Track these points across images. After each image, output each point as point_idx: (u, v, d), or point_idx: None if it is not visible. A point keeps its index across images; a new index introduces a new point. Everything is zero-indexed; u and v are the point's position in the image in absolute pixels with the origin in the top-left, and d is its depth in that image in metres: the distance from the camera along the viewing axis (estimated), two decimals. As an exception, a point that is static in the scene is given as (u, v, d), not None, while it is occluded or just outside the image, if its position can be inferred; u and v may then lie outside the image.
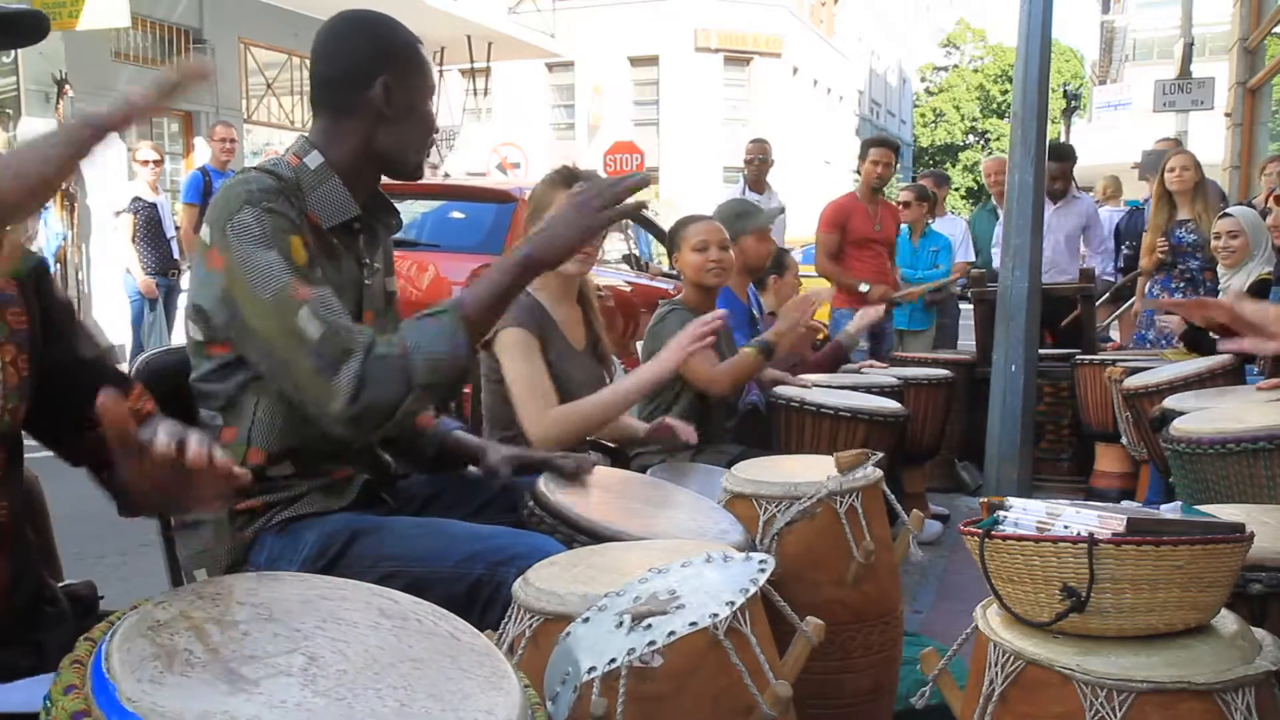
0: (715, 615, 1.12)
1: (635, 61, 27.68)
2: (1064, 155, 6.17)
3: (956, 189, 35.04)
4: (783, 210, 4.91)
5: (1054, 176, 5.82)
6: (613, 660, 1.09)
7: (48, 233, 7.94)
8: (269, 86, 12.85)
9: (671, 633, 1.10)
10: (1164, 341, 4.70)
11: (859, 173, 5.68)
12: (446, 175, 10.35)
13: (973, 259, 6.63)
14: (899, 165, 5.85)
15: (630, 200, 1.59)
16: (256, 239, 1.54)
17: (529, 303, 2.44)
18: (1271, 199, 4.47)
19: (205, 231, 1.61)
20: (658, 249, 7.83)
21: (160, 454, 0.96)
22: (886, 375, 3.98)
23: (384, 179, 1.80)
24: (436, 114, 1.82)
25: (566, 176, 2.48)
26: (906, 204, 6.35)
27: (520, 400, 2.30)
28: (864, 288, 5.35)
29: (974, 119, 43.27)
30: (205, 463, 0.97)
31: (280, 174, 1.64)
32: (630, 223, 7.63)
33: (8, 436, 1.19)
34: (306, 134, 1.75)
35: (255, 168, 1.66)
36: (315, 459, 1.69)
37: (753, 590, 1.16)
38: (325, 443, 1.65)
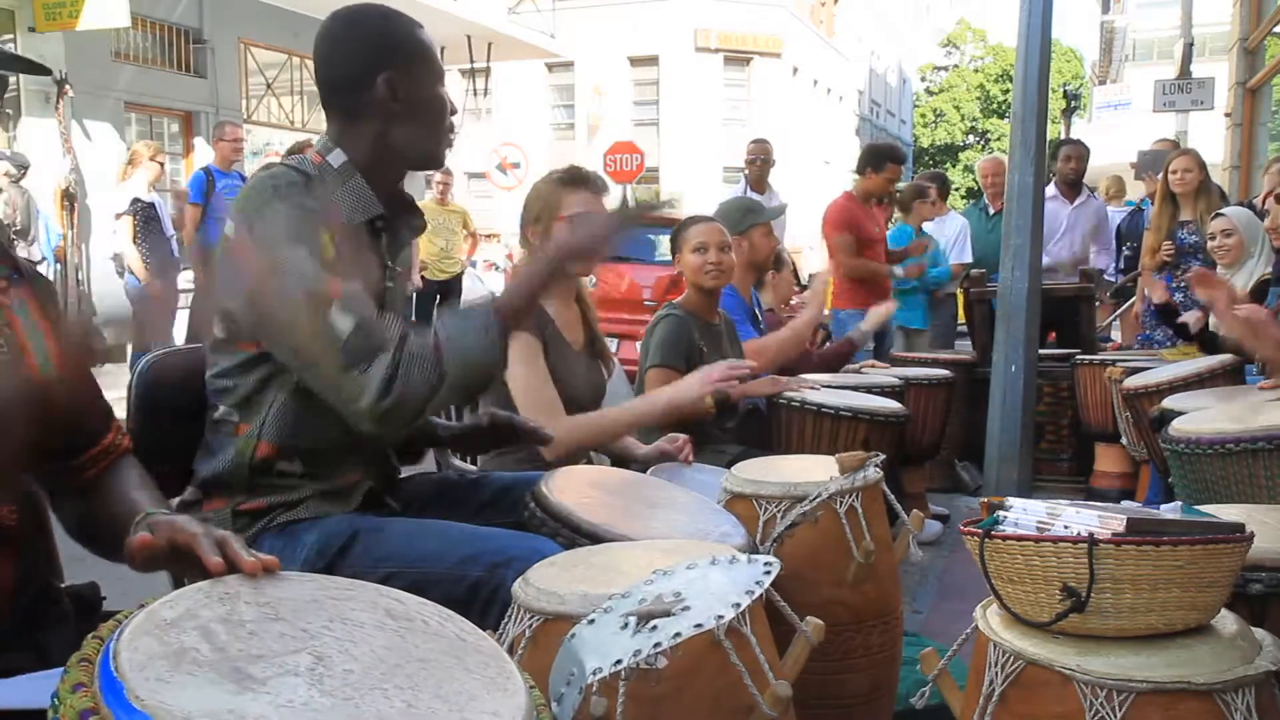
0: (720, 617, 1.12)
1: (635, 62, 27.65)
2: (1078, 143, 6.50)
3: (957, 189, 34.96)
4: (785, 208, 4.91)
5: (1078, 158, 6.21)
6: (618, 661, 1.09)
7: (48, 233, 7.93)
8: (269, 87, 12.83)
9: (677, 634, 1.10)
10: (1169, 341, 4.70)
11: (859, 174, 5.65)
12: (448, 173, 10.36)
13: (968, 260, 6.63)
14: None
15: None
16: (287, 234, 1.51)
17: None
18: (1272, 199, 4.47)
19: (230, 226, 1.59)
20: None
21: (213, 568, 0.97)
22: (887, 375, 3.98)
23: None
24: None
25: (574, 176, 2.47)
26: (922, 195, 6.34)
27: (525, 408, 2.26)
28: (899, 270, 5.59)
29: (974, 119, 43.19)
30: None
31: (305, 170, 1.63)
32: None
33: None
34: (325, 134, 1.73)
35: (281, 163, 1.65)
36: (325, 461, 1.69)
37: (758, 593, 1.17)
38: (338, 445, 1.65)
